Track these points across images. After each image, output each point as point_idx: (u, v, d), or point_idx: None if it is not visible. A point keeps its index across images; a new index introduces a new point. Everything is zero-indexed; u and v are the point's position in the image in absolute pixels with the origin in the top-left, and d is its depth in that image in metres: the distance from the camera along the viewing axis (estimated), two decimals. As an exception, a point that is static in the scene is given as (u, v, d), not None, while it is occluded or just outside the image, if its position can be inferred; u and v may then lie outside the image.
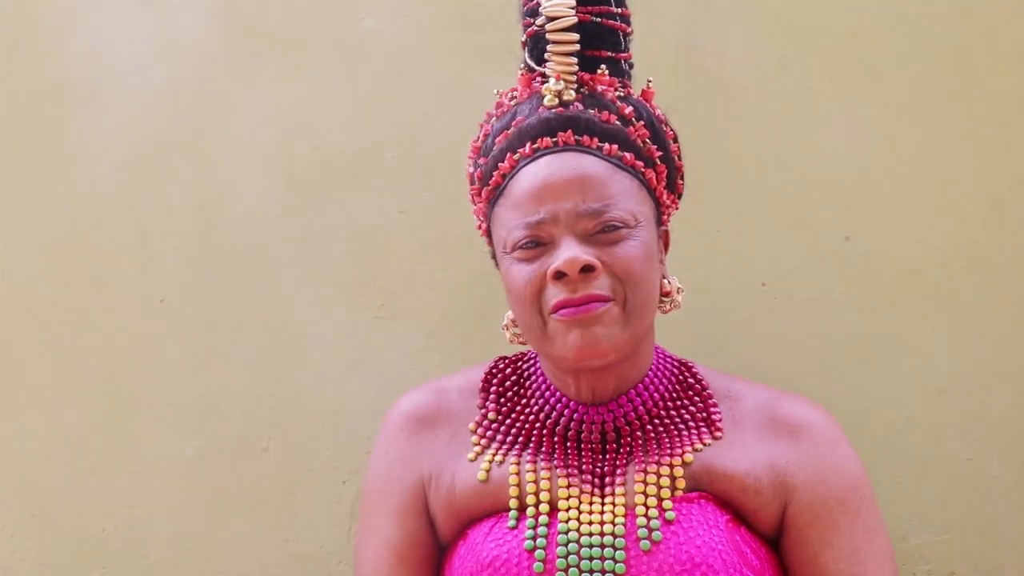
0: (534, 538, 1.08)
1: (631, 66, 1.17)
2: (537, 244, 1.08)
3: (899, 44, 1.45)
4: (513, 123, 1.13)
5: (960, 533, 1.38)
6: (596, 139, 1.10)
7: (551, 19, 1.10)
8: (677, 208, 1.21)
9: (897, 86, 1.45)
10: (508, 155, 1.12)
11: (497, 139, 1.14)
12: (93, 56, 1.56)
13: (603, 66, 1.13)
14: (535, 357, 1.21)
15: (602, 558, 1.06)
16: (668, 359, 1.20)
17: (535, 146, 1.11)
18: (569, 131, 1.10)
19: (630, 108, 1.13)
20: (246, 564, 1.46)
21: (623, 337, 1.08)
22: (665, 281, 1.15)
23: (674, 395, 1.16)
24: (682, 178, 1.20)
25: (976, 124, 1.43)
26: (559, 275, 1.05)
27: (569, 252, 1.05)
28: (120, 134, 1.54)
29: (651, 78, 1.17)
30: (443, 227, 1.46)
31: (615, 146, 1.10)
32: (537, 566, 1.06)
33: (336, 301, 1.49)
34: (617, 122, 1.11)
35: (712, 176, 1.45)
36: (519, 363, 1.22)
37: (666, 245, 1.19)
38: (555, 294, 1.06)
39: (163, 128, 1.54)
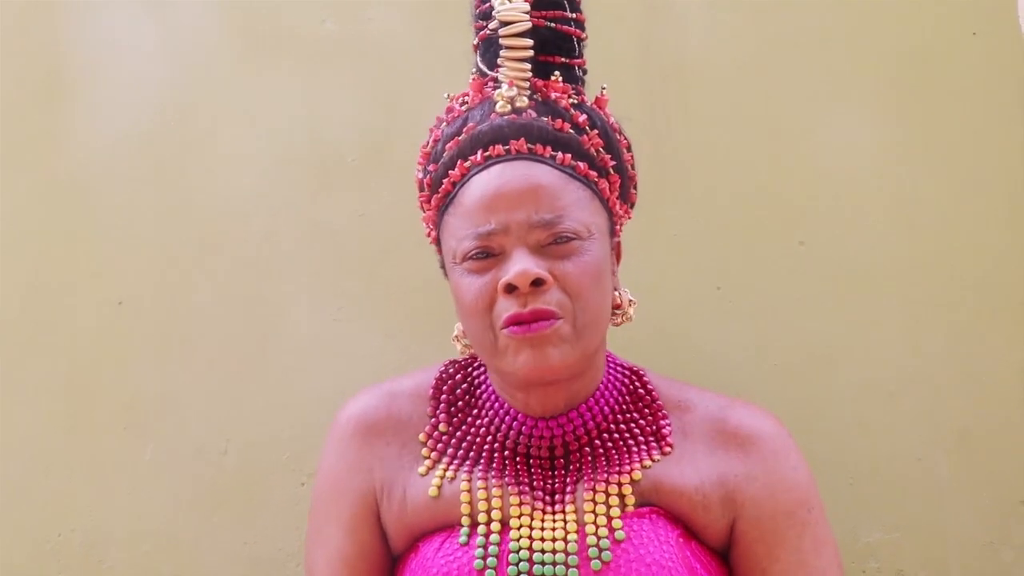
0: (484, 557, 1.07)
1: (585, 72, 1.15)
2: (488, 255, 1.06)
3: (856, 49, 1.47)
4: (464, 129, 1.10)
5: (909, 532, 1.40)
6: (549, 148, 1.08)
7: (505, 24, 1.08)
8: (630, 218, 1.20)
9: (854, 92, 1.47)
10: (459, 162, 1.10)
11: (447, 145, 1.11)
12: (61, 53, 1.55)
13: (557, 72, 1.11)
14: (485, 364, 1.19)
15: (554, 575, 1.06)
16: (619, 368, 1.18)
17: (487, 154, 1.08)
18: (522, 139, 1.08)
19: (584, 116, 1.11)
20: (204, 566, 1.45)
21: (575, 355, 1.06)
22: (617, 293, 1.14)
23: (624, 407, 1.15)
24: (635, 188, 1.19)
25: (930, 131, 1.45)
26: (510, 288, 1.03)
27: (520, 265, 1.03)
28: (79, 134, 1.53)
29: (605, 85, 1.16)
30: (402, 230, 1.46)
31: (568, 155, 1.08)
32: None
33: (295, 303, 1.49)
34: (571, 131, 1.09)
35: (668, 180, 1.46)
36: (469, 368, 1.20)
37: (618, 256, 1.17)
38: (506, 308, 1.04)
39: (124, 130, 1.53)
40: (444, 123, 1.14)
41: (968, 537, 1.40)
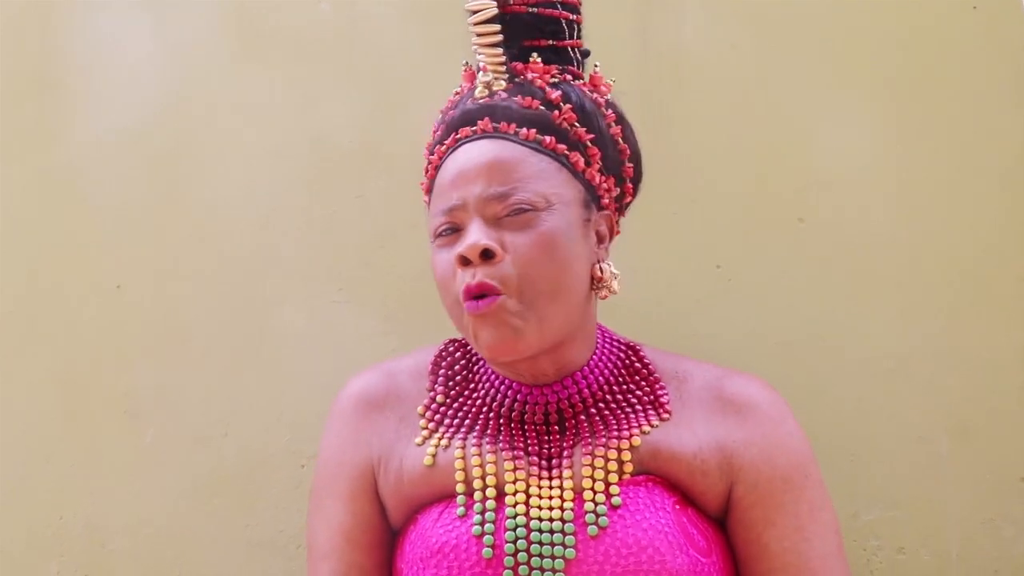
0: (482, 523, 1.08)
1: (584, 54, 1.17)
2: (453, 230, 1.10)
3: (854, 29, 1.47)
4: (447, 117, 1.16)
5: (909, 510, 1.40)
6: (513, 124, 1.11)
7: (472, 12, 1.12)
8: (630, 194, 1.21)
9: (852, 69, 1.46)
10: (437, 148, 1.15)
11: (436, 134, 1.17)
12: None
13: (535, 54, 1.14)
14: None
15: (551, 543, 1.06)
16: (614, 342, 1.20)
17: (457, 136, 1.13)
18: (486, 119, 1.12)
19: (558, 93, 1.13)
20: (206, 550, 1.46)
21: (530, 328, 1.07)
22: (598, 267, 1.14)
23: (620, 379, 1.17)
24: (631, 161, 1.20)
25: (930, 109, 1.45)
26: (464, 260, 1.07)
27: (471, 237, 1.06)
28: (76, 127, 1.53)
29: (598, 63, 1.18)
30: (400, 212, 1.47)
31: (533, 130, 1.11)
32: (486, 552, 1.06)
33: (294, 286, 1.49)
34: (541, 107, 1.12)
35: (667, 159, 1.45)
36: (468, 346, 1.22)
37: (610, 230, 1.18)
38: (461, 280, 1.08)
39: (120, 121, 1.53)
40: (441, 113, 1.19)
41: (968, 514, 1.40)
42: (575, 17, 1.16)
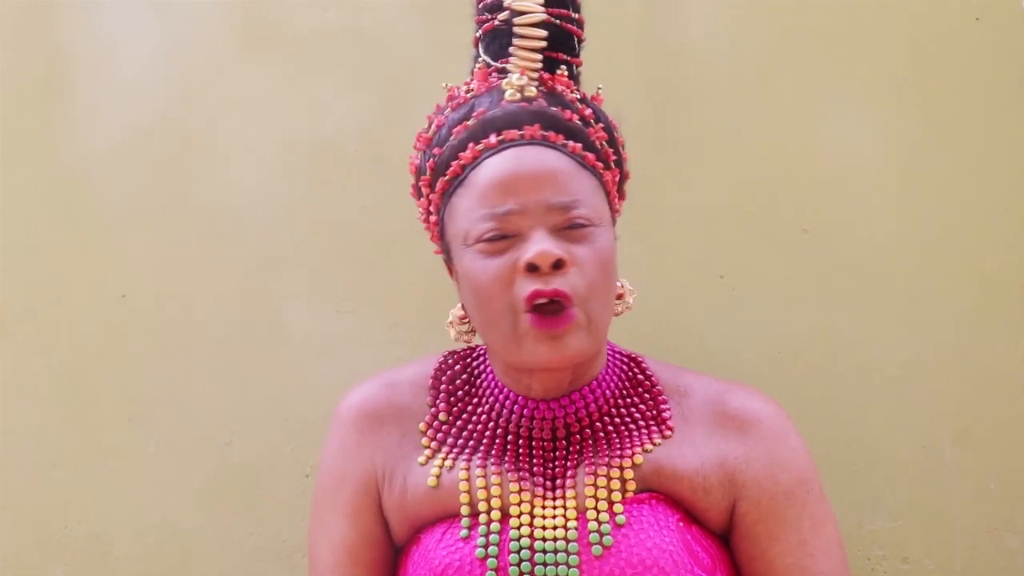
0: (486, 546, 1.07)
1: (579, 73, 1.16)
2: (503, 237, 1.06)
3: (859, 36, 1.47)
4: (473, 114, 1.10)
5: (913, 519, 1.41)
6: (562, 136, 1.09)
7: (519, 13, 1.09)
8: (620, 214, 1.20)
9: (857, 79, 1.46)
10: (470, 145, 1.09)
11: (454, 129, 1.11)
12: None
13: (563, 67, 1.12)
14: (484, 353, 1.20)
15: (555, 563, 1.06)
16: (618, 355, 1.19)
17: (500, 137, 1.08)
18: (537, 125, 1.08)
19: (590, 110, 1.12)
20: (209, 558, 1.46)
21: (589, 342, 1.07)
22: (618, 283, 1.15)
23: (624, 392, 1.16)
24: (626, 185, 1.20)
25: (934, 118, 1.45)
26: (531, 267, 1.04)
27: (541, 245, 1.03)
28: (81, 129, 1.53)
29: (601, 86, 1.17)
30: (404, 221, 1.45)
31: (579, 145, 1.09)
32: (490, 575, 1.06)
33: (298, 295, 1.49)
34: (579, 122, 1.10)
35: (671, 169, 1.46)
36: (469, 359, 1.20)
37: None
38: (526, 286, 1.04)
39: (125, 125, 1.53)
40: (448, 109, 1.14)
41: (972, 524, 1.40)
42: (583, 36, 1.15)
